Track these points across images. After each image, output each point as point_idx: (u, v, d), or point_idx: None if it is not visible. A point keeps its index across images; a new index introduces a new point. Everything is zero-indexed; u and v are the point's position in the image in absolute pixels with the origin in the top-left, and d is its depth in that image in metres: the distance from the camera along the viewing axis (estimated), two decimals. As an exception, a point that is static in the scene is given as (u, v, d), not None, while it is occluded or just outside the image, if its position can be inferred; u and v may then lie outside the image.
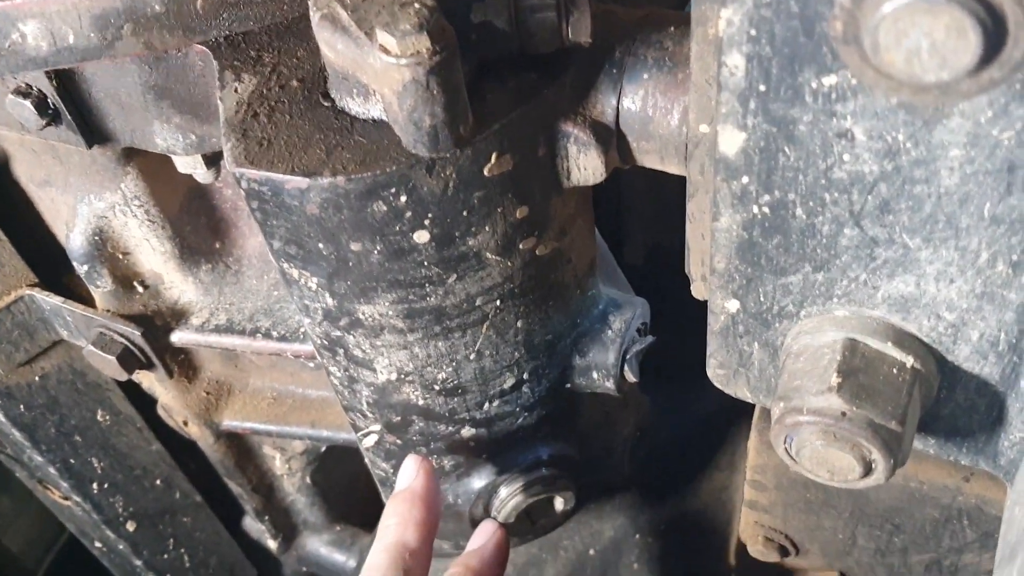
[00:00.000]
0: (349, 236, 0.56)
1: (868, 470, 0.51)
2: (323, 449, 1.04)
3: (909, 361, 0.50)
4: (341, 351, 0.67)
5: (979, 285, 0.47)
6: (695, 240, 0.62)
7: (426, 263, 0.59)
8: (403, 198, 0.54)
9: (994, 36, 0.29)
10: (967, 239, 0.45)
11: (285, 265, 0.60)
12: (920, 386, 0.51)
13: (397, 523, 0.67)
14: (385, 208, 0.55)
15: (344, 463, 1.12)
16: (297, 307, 0.65)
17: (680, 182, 0.62)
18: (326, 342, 0.67)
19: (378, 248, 0.57)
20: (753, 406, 0.76)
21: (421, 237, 0.57)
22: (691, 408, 1.09)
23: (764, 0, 0.39)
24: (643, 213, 1.12)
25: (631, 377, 0.75)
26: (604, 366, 0.74)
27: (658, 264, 1.13)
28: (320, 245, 0.57)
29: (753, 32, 0.41)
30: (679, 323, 1.02)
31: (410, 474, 0.70)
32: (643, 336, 0.76)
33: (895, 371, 0.50)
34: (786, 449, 0.53)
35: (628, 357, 0.75)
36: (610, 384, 0.75)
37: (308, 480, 1.09)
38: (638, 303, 0.76)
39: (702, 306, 0.63)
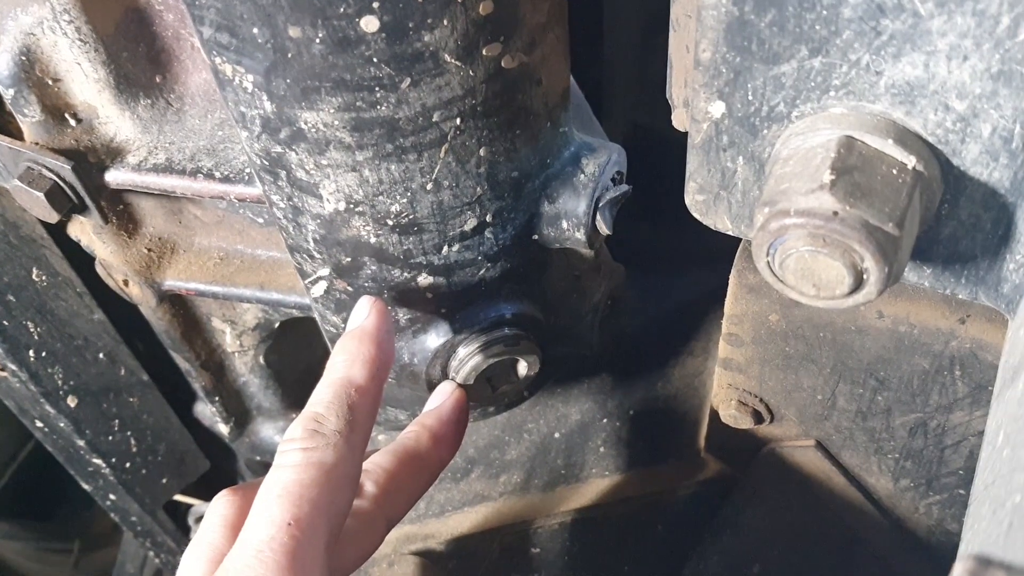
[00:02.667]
0: (287, 18, 0.50)
1: (859, 282, 0.45)
2: (276, 326, 0.98)
3: (911, 162, 0.45)
4: (283, 173, 0.61)
5: (996, 61, 0.41)
6: (678, 54, 0.56)
7: (375, 59, 0.52)
8: (348, -30, 0.48)
9: None
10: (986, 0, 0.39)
11: (217, 60, 0.54)
12: (922, 192, 0.45)
13: (344, 360, 0.62)
14: (328, -18, 0.48)
15: (299, 350, 1.06)
16: (233, 117, 0.59)
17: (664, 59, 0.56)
18: (267, 162, 0.60)
19: (320, 35, 0.51)
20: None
21: (369, 24, 0.51)
22: (667, 295, 1.04)
23: None
24: (625, 90, 1.06)
25: (603, 229, 0.70)
26: (574, 214, 0.68)
27: (639, 144, 1.07)
28: (255, 30, 0.51)
29: None
30: (658, 208, 0.97)
31: (362, 313, 0.65)
32: (618, 184, 0.70)
33: (895, 172, 0.45)
34: (768, 263, 0.47)
35: (601, 206, 0.69)
36: (580, 235, 0.69)
37: (261, 360, 1.03)
38: (614, 148, 0.70)
39: (682, 188, 0.57)
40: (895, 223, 0.44)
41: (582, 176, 0.68)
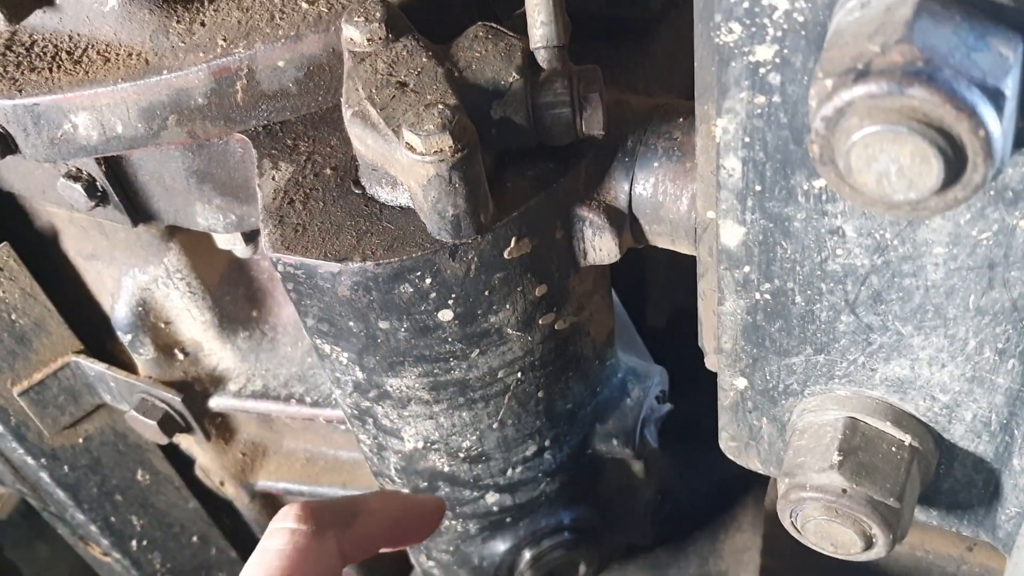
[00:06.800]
0: (377, 315, 0.60)
1: (869, 544, 0.53)
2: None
3: (907, 439, 0.53)
4: (370, 420, 0.70)
5: (969, 370, 0.49)
6: (707, 316, 0.65)
7: (450, 339, 0.62)
8: (428, 280, 0.58)
9: (955, 162, 0.32)
10: (955, 328, 0.48)
11: (318, 341, 0.64)
12: (918, 463, 0.53)
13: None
14: (411, 290, 0.58)
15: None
16: (329, 379, 0.69)
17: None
18: (356, 412, 0.70)
19: (405, 326, 0.61)
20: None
21: (445, 316, 0.60)
22: (715, 468, 1.11)
23: (756, 111, 0.43)
24: (665, 277, 1.15)
25: (650, 442, 0.78)
26: (623, 433, 0.77)
27: (680, 327, 1.15)
28: (350, 323, 0.61)
29: (747, 139, 0.44)
30: (702, 386, 1.05)
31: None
32: (661, 404, 0.79)
33: (894, 449, 0.53)
34: (792, 522, 0.55)
35: (646, 424, 0.77)
36: (629, 450, 0.78)
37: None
38: (656, 371, 0.79)
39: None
40: (896, 497, 0.51)
41: (628, 400, 0.77)
